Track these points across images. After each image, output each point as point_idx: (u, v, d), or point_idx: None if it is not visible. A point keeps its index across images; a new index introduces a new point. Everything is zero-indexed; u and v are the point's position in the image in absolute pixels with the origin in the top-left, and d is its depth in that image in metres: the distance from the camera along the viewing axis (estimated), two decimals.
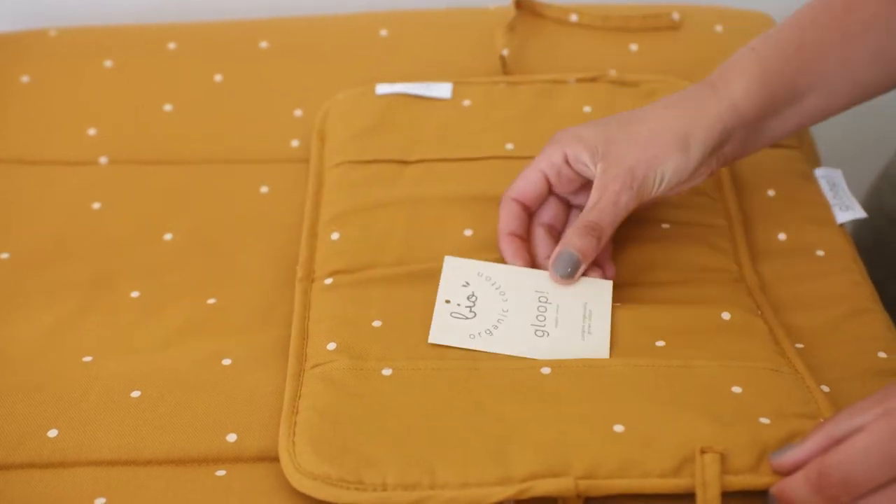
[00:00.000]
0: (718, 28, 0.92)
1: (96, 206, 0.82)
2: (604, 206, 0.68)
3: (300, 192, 0.82)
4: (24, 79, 0.91)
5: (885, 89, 0.73)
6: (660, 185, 0.69)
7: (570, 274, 0.68)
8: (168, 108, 0.89)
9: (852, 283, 0.74)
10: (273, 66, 0.92)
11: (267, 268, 0.76)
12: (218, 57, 0.92)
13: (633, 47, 0.90)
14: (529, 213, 0.72)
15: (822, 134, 0.94)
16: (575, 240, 0.67)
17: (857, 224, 0.91)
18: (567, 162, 0.70)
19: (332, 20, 0.95)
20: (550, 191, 0.72)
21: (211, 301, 0.74)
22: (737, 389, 0.63)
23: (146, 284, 0.76)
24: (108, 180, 0.84)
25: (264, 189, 0.83)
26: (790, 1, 1.03)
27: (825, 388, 0.65)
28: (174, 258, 0.78)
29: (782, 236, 0.76)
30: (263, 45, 0.93)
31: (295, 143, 0.87)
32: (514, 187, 0.72)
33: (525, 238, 0.72)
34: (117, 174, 0.85)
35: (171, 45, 0.93)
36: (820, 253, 0.76)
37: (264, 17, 0.96)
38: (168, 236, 0.79)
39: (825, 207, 0.79)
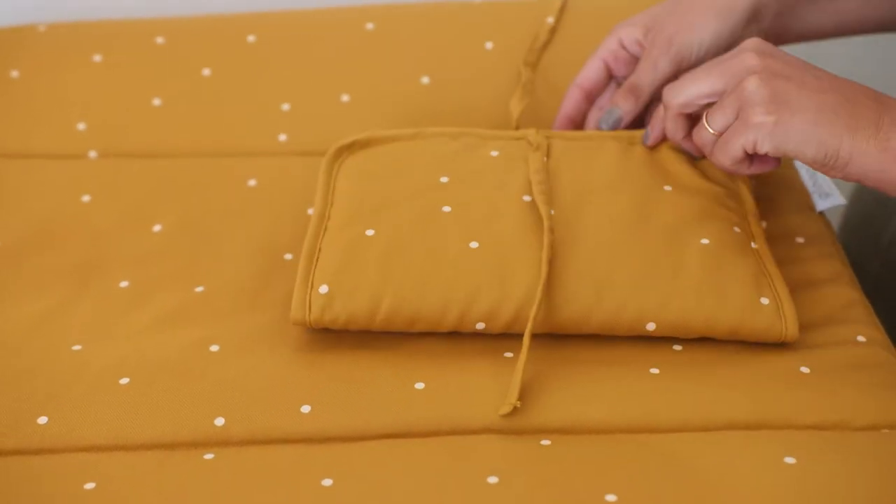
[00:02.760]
0: None
1: (86, 198, 0.83)
2: (643, 68, 0.78)
3: (287, 185, 0.83)
4: (14, 74, 0.92)
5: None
6: (699, 50, 0.77)
7: (612, 127, 0.79)
8: (157, 102, 0.90)
9: (832, 270, 0.75)
10: (261, 60, 0.92)
11: (253, 258, 0.77)
12: (206, 51, 0.93)
13: None
14: (589, 99, 0.82)
15: None
16: (619, 100, 0.79)
17: (847, 203, 0.92)
18: (623, 46, 0.80)
19: (319, 14, 0.96)
20: (611, 76, 0.82)
21: (198, 289, 0.75)
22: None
23: (135, 274, 0.76)
24: (98, 174, 0.85)
25: (252, 182, 0.84)
26: None
27: (804, 370, 0.66)
28: (162, 249, 0.78)
29: (763, 224, 0.77)
30: (251, 39, 0.93)
31: (282, 136, 0.88)
32: (579, 76, 0.82)
33: (579, 122, 0.83)
34: (106, 168, 0.86)
35: (160, 40, 0.94)
36: (800, 240, 0.77)
37: (252, 10, 0.97)
38: (157, 228, 0.80)
39: (805, 195, 0.80)
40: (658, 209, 0.72)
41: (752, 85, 0.65)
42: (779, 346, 0.68)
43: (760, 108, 0.64)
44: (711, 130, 0.68)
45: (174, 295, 0.74)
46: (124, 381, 0.67)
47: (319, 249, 0.70)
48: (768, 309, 0.67)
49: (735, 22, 0.77)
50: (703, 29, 0.77)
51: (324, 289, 0.68)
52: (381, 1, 0.97)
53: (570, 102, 0.82)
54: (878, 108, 0.64)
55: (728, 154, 0.67)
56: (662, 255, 0.69)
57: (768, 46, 0.67)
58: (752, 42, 0.68)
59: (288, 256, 0.77)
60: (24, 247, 0.79)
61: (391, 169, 0.76)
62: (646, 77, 0.78)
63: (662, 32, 0.77)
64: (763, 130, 0.64)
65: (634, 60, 0.80)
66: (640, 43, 0.79)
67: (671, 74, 0.77)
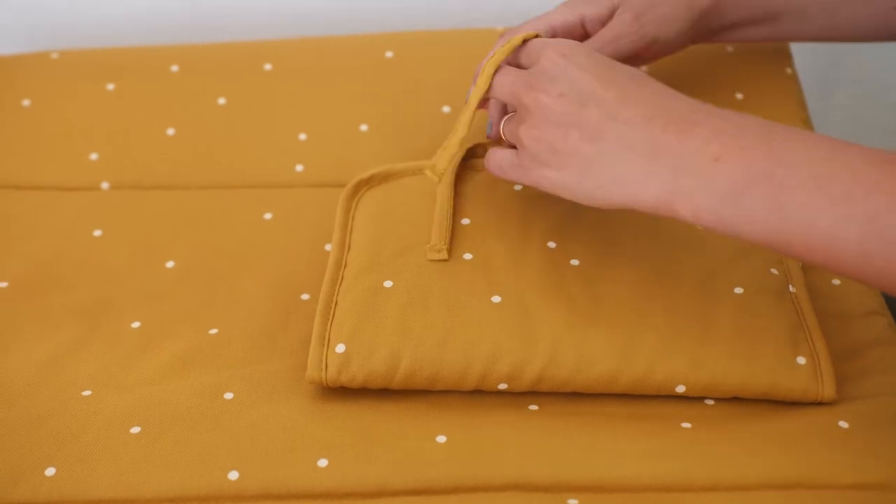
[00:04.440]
0: (730, 48, 0.90)
1: (97, 233, 0.81)
2: (609, 47, 0.74)
3: (303, 218, 0.81)
4: (26, 102, 0.90)
5: (861, 34, 0.79)
6: (664, 43, 0.76)
7: None
8: (171, 131, 0.88)
9: (868, 312, 0.72)
10: (277, 88, 0.90)
11: (269, 297, 0.75)
12: (221, 79, 0.91)
13: (643, 68, 0.89)
14: None
15: None
16: None
17: None
18: (583, 24, 0.75)
19: (336, 41, 0.94)
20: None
21: (212, 332, 0.72)
22: None
23: (147, 314, 0.74)
24: (110, 206, 0.83)
25: (267, 216, 0.81)
26: None
27: (843, 424, 0.63)
28: (175, 286, 0.76)
29: (799, 262, 0.75)
30: (267, 67, 0.91)
31: (299, 167, 0.85)
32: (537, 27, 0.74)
33: None
34: (119, 200, 0.84)
35: (174, 68, 0.91)
36: (836, 282, 0.74)
37: (268, 38, 0.95)
38: (170, 264, 0.78)
39: None
40: (690, 251, 0.69)
41: (527, 135, 0.63)
42: None
43: (529, 168, 0.64)
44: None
45: (187, 338, 0.72)
46: (135, 430, 0.65)
47: (336, 303, 0.68)
48: (804, 370, 0.64)
49: (694, 18, 0.76)
50: (674, 24, 0.76)
51: (340, 348, 0.65)
52: (400, 28, 0.95)
53: None
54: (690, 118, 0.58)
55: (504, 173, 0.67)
56: (693, 311, 0.66)
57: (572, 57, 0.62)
58: (554, 52, 0.63)
59: (305, 296, 0.75)
60: (35, 284, 0.77)
61: (410, 208, 0.73)
62: (608, 51, 0.75)
63: (636, 15, 0.75)
64: (545, 182, 0.63)
65: (585, 38, 0.76)
66: (602, 21, 0.76)
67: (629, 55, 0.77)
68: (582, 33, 0.76)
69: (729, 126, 0.57)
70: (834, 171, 0.53)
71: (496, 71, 0.66)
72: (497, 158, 0.67)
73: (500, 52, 0.67)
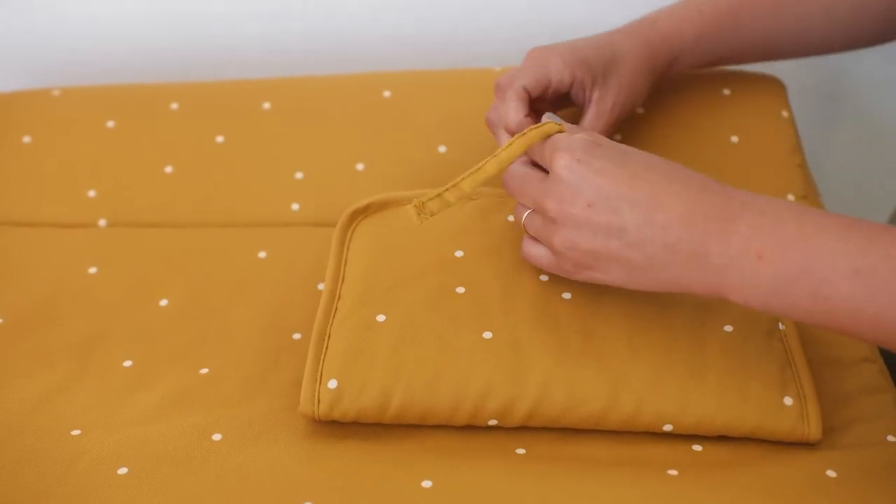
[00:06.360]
0: (726, 91, 0.90)
1: (92, 270, 0.81)
2: (601, 129, 0.77)
3: (298, 257, 0.81)
4: (26, 139, 0.90)
5: (798, 55, 0.86)
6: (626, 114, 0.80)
7: None
8: (169, 169, 0.88)
9: (860, 359, 0.72)
10: (275, 127, 0.91)
11: (260, 337, 0.75)
12: (220, 117, 0.91)
13: (640, 110, 0.89)
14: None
15: (828, 189, 0.93)
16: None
17: None
18: (571, 82, 0.76)
19: (335, 81, 0.94)
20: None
21: (203, 371, 0.73)
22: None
23: (139, 353, 0.74)
24: (106, 244, 0.84)
25: (262, 254, 0.82)
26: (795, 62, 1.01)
27: (831, 473, 0.63)
28: (168, 326, 0.76)
29: None
30: (266, 105, 0.92)
31: (295, 206, 0.86)
32: (522, 79, 0.74)
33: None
34: (115, 237, 0.84)
35: (174, 106, 0.92)
36: None
37: (267, 77, 0.96)
38: (163, 302, 0.78)
39: None
40: None
41: (559, 246, 0.63)
42: (803, 444, 0.65)
43: (572, 272, 0.64)
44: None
45: (177, 377, 0.72)
46: (122, 471, 0.65)
47: (329, 335, 0.68)
48: (791, 410, 0.64)
49: (654, 81, 0.81)
50: (641, 95, 0.80)
51: (333, 384, 0.66)
52: (397, 68, 0.96)
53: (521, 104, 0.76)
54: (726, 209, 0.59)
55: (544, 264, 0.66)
56: (683, 349, 0.66)
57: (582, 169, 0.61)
58: (567, 166, 0.61)
59: (296, 336, 0.75)
60: (30, 321, 0.77)
61: (405, 238, 0.74)
62: (599, 132, 0.77)
63: (613, 96, 0.77)
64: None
65: (560, 95, 0.78)
66: (584, 89, 0.77)
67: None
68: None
69: (766, 221, 0.58)
70: (871, 262, 0.55)
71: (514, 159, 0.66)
72: (535, 258, 0.66)
73: (531, 136, 0.65)
